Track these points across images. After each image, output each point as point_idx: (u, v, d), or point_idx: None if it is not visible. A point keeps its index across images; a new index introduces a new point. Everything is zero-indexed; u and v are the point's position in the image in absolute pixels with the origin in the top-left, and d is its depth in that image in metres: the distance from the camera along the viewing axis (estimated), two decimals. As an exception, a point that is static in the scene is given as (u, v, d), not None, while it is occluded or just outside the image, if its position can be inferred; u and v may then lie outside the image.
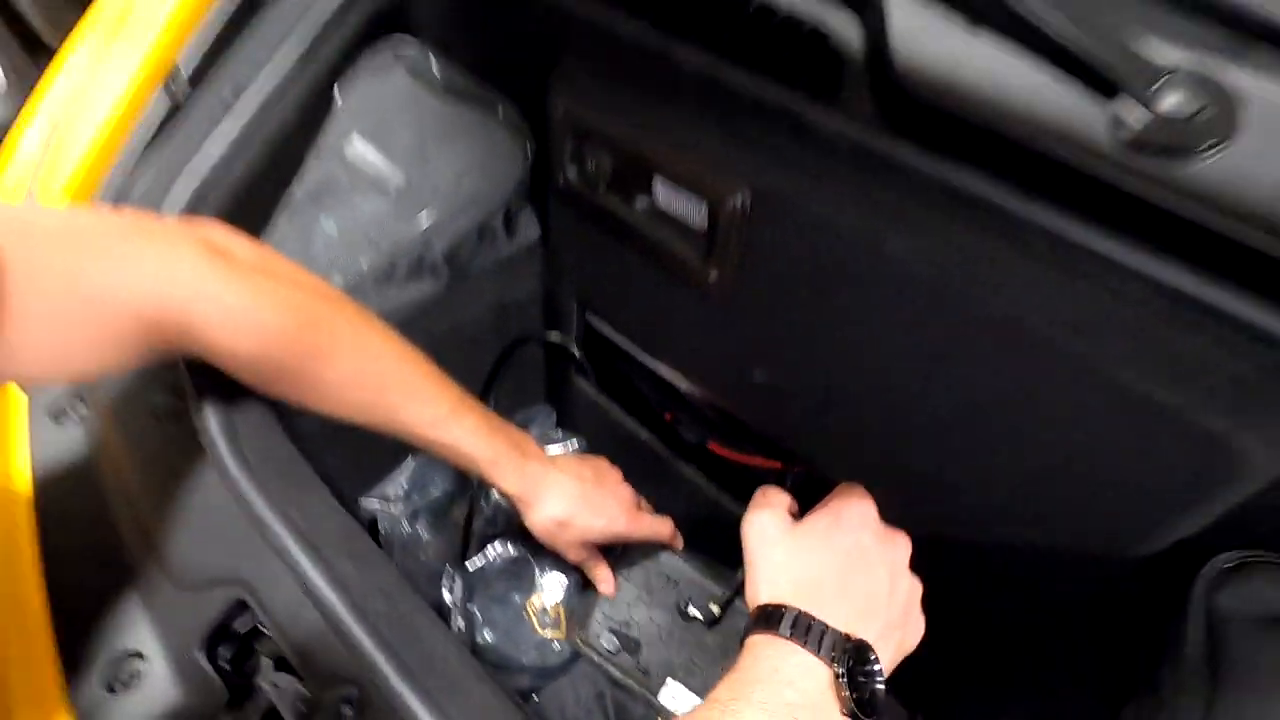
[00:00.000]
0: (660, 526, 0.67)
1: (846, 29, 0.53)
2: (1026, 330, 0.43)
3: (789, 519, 0.47)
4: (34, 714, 0.44)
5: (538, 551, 0.74)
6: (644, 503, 0.70)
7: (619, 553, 0.69)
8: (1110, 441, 0.41)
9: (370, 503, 0.78)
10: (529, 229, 0.73)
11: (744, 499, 0.71)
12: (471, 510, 0.77)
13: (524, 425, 0.90)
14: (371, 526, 0.77)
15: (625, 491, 0.67)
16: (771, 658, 0.39)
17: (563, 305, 0.77)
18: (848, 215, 0.48)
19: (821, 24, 0.54)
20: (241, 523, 0.46)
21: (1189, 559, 0.42)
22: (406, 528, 0.75)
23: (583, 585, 0.74)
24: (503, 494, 0.62)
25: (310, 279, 0.51)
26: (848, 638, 0.40)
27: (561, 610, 0.74)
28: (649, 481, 0.78)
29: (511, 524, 0.77)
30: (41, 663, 0.46)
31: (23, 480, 0.53)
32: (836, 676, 0.38)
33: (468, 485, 0.78)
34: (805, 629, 0.40)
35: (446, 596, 0.71)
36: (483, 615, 0.72)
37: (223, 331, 0.44)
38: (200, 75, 0.68)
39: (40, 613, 0.48)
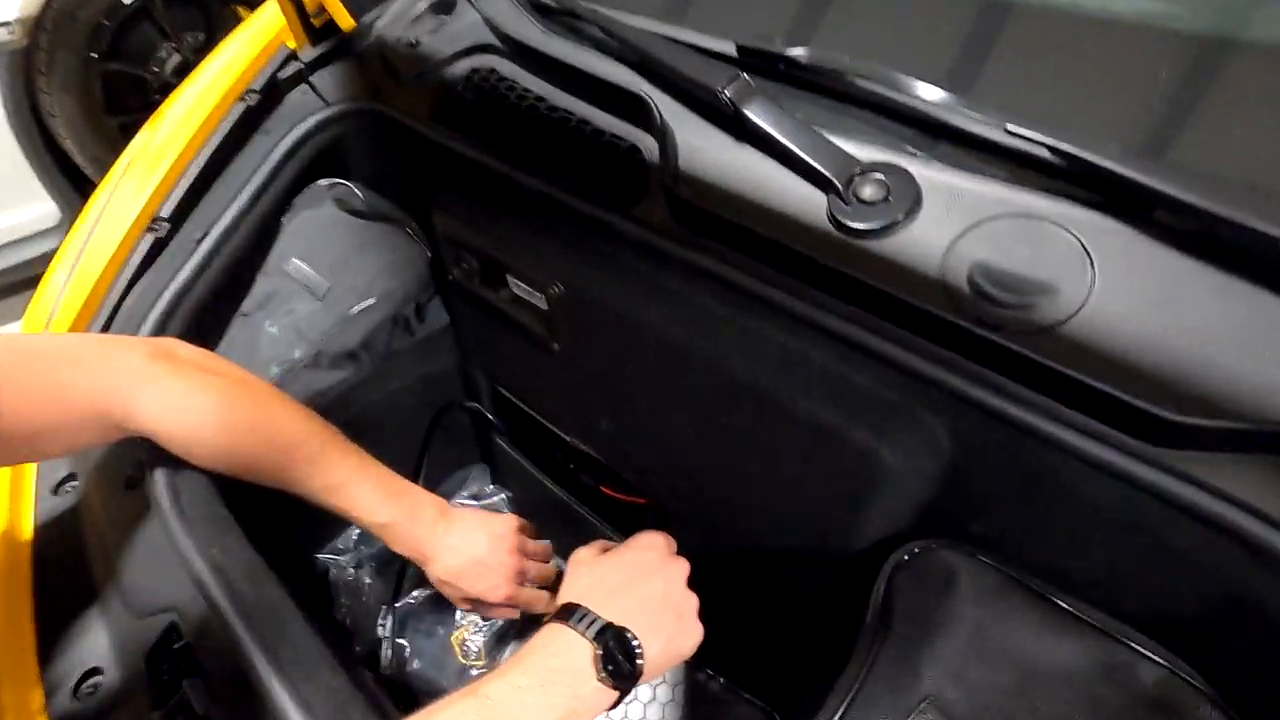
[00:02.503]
0: (535, 600, 0.74)
1: (653, 147, 0.69)
2: (734, 376, 0.55)
3: (599, 549, 0.59)
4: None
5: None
6: (534, 570, 0.74)
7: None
8: (803, 460, 0.52)
9: (324, 557, 0.91)
10: (439, 316, 0.89)
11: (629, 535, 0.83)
12: (405, 560, 0.90)
13: (461, 482, 1.04)
14: (324, 575, 0.90)
15: (512, 561, 0.72)
16: (547, 636, 0.50)
17: (474, 376, 0.91)
18: (626, 298, 0.62)
19: (637, 143, 0.70)
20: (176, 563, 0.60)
21: (893, 547, 0.53)
22: (350, 575, 0.89)
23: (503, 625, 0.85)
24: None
25: (237, 371, 0.66)
26: (611, 625, 0.51)
27: (482, 644, 0.86)
28: (559, 526, 0.91)
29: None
30: (28, 679, 0.60)
31: (26, 541, 0.68)
32: (596, 653, 0.49)
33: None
34: (579, 617, 0.51)
35: (380, 631, 0.84)
36: (412, 646, 0.84)
37: (158, 414, 0.59)
38: (181, 212, 0.87)
39: (30, 639, 0.62)
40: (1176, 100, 0.55)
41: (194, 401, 0.60)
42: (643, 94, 0.69)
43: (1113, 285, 0.50)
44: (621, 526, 0.87)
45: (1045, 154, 0.54)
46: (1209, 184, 0.48)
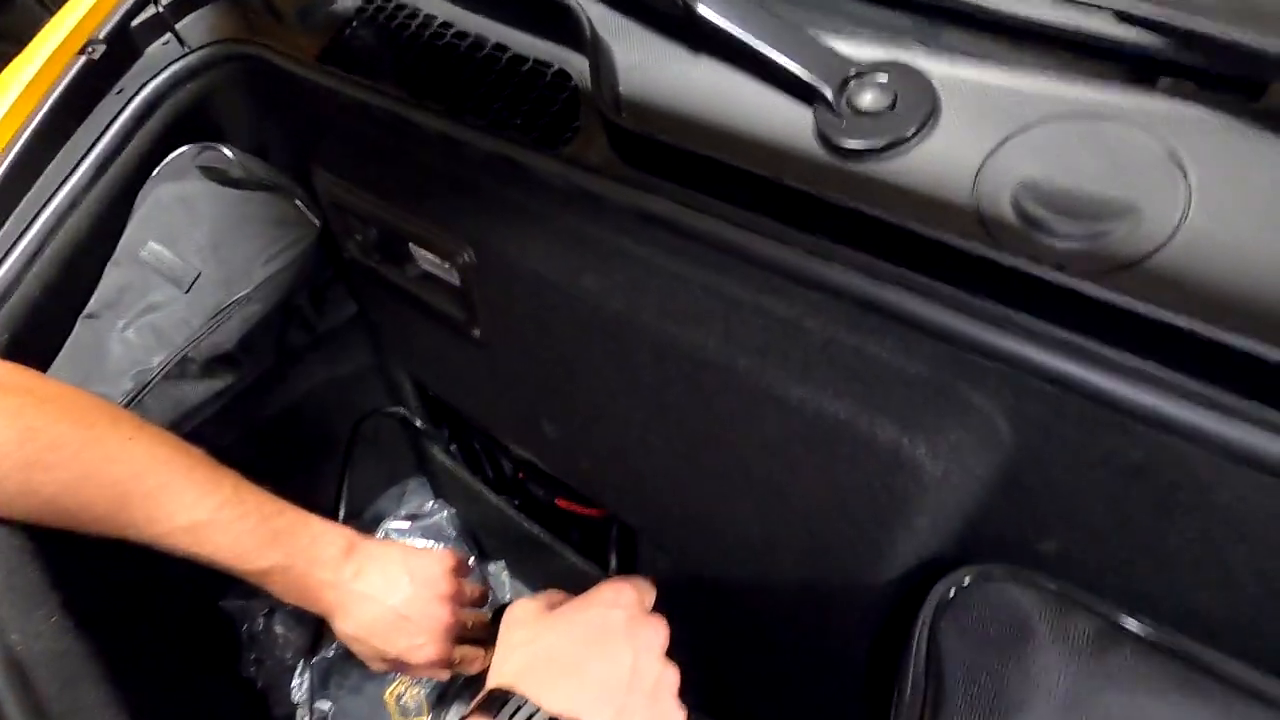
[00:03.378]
0: (471, 659, 0.59)
1: (584, 72, 0.53)
2: (711, 359, 0.40)
3: (544, 605, 0.44)
4: None
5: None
6: (470, 619, 0.60)
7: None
8: (803, 466, 0.38)
9: (230, 603, 0.76)
10: (344, 306, 0.73)
11: (590, 555, 0.68)
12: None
13: (397, 499, 0.88)
14: (229, 625, 0.75)
15: (442, 613, 0.57)
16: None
17: (396, 377, 0.76)
18: (554, 260, 0.47)
19: (566, 68, 0.55)
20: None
21: (935, 578, 0.39)
22: (260, 624, 0.73)
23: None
24: None
25: (47, 387, 0.50)
26: None
27: (423, 699, 0.71)
28: (513, 546, 0.76)
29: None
30: None
31: None
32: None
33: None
34: (511, 712, 0.37)
35: (296, 694, 0.68)
36: (337, 706, 0.69)
37: None
38: (6, 201, 0.69)
39: None
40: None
41: None
42: (574, 3, 0.54)
43: (1217, 200, 0.36)
44: (582, 545, 0.72)
45: (1109, 28, 0.40)
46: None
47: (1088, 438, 0.33)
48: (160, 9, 0.78)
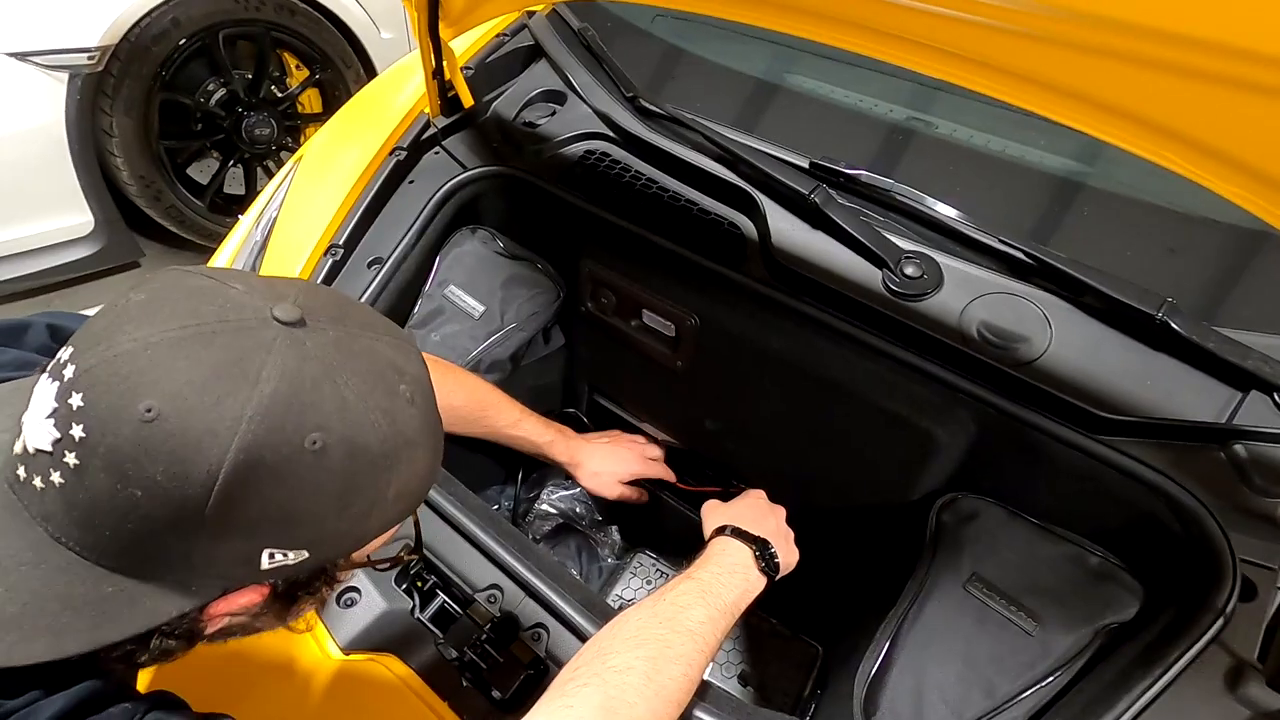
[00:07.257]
0: (660, 468, 1.07)
1: (748, 225, 0.97)
2: (838, 385, 0.84)
3: (720, 501, 0.85)
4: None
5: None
6: (651, 449, 1.08)
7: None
8: (880, 439, 0.81)
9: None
10: (557, 338, 1.13)
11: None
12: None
13: (542, 478, 1.25)
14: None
15: (635, 447, 1.07)
16: (719, 545, 0.75)
17: (577, 388, 1.15)
18: (750, 329, 0.89)
19: (734, 221, 0.99)
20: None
21: (934, 499, 0.82)
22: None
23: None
24: (559, 463, 1.00)
25: (441, 360, 0.89)
26: (757, 537, 0.76)
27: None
28: (634, 511, 1.14)
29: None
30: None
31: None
32: (753, 553, 0.74)
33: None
34: (738, 534, 0.76)
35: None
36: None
37: None
38: (351, 241, 1.06)
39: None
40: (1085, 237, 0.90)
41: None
42: (749, 190, 0.98)
43: (1063, 338, 0.82)
44: (691, 506, 1.12)
45: (1020, 255, 0.87)
46: (1105, 275, 0.81)
47: (1003, 434, 0.78)
48: (436, 130, 1.19)
